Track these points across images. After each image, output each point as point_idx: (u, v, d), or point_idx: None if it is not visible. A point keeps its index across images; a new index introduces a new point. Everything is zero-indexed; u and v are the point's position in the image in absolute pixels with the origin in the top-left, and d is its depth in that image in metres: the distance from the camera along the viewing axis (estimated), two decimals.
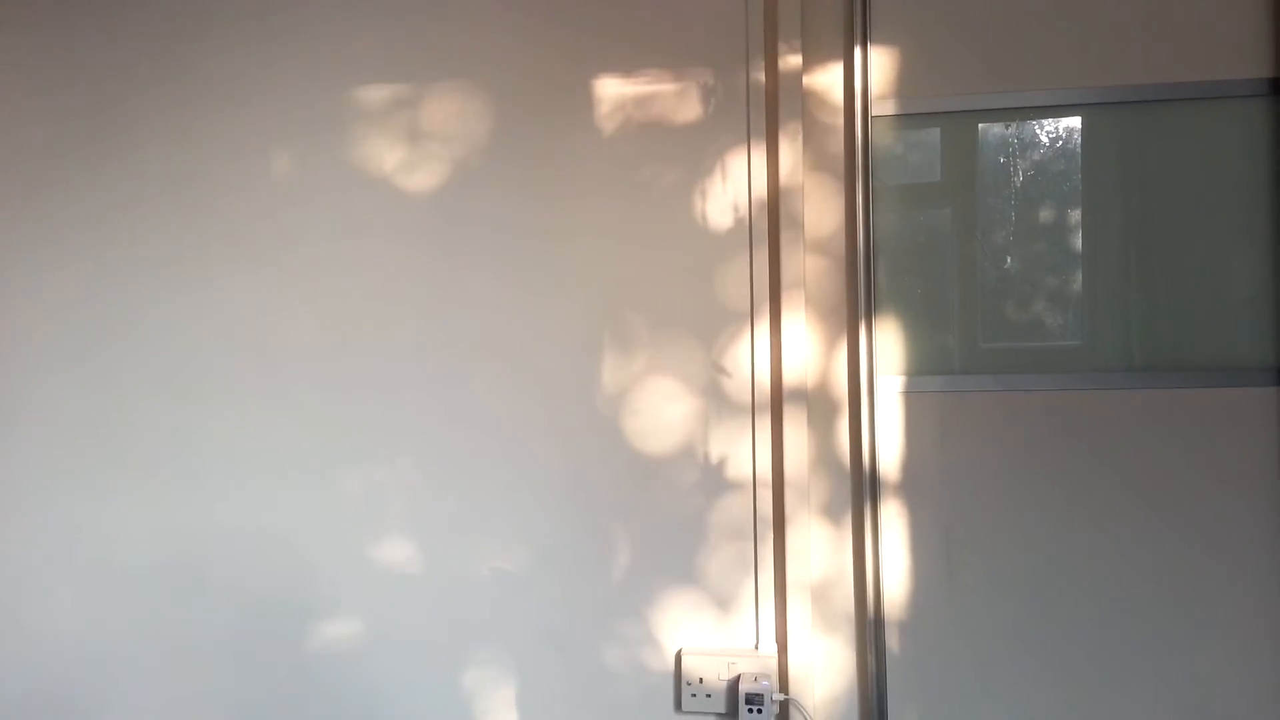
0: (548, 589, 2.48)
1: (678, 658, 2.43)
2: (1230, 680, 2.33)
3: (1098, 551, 2.37)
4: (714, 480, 2.42)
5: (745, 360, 2.41)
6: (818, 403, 2.43)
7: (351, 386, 2.52)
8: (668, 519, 2.43)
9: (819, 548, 2.43)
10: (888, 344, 2.45)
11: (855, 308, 2.42)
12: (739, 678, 2.41)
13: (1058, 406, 2.38)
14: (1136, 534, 2.36)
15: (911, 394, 2.41)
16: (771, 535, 2.40)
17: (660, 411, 2.44)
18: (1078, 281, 2.40)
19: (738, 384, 2.42)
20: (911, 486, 2.41)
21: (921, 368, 2.44)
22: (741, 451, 2.41)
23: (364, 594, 2.53)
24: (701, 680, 2.42)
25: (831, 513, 2.44)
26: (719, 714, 2.43)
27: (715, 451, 2.42)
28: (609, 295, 2.44)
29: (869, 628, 2.40)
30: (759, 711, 2.38)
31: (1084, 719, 2.37)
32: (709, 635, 2.43)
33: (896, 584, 2.42)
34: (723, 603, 2.43)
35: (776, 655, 2.40)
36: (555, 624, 2.47)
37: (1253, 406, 2.31)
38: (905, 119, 2.43)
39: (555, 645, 2.46)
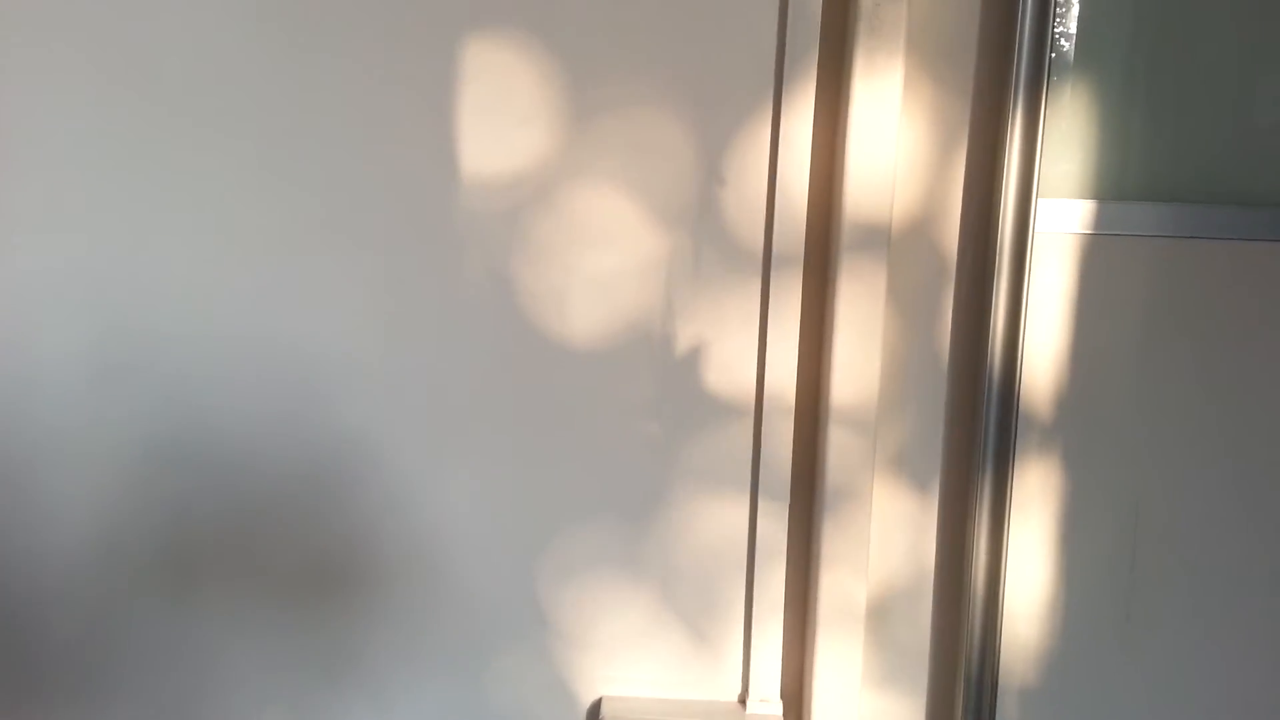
0: (340, 597, 1.36)
1: (594, 715, 1.39)
2: None
3: None
4: (686, 395, 1.32)
5: (761, 162, 1.27)
6: (904, 252, 1.25)
7: None
8: (590, 464, 1.35)
9: (883, 533, 1.34)
10: (1061, 142, 1.28)
11: (1002, 62, 1.20)
12: None
13: None
14: None
15: (1103, 237, 1.30)
16: (789, 503, 1.32)
17: (588, 258, 1.30)
18: None
19: (743, 207, 1.28)
20: (1074, 422, 1.32)
21: (1124, 189, 1.30)
22: (741, 344, 1.30)
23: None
24: None
25: (913, 468, 1.32)
26: None
27: (689, 339, 1.30)
28: (479, 21, 1.25)
29: (967, 685, 1.33)
30: None
31: None
32: (659, 677, 1.38)
33: (1023, 608, 1.36)
34: (690, 621, 1.37)
35: (781, 717, 1.37)
36: (345, 658, 1.38)
37: None
38: None
39: (362, 687, 1.37)
